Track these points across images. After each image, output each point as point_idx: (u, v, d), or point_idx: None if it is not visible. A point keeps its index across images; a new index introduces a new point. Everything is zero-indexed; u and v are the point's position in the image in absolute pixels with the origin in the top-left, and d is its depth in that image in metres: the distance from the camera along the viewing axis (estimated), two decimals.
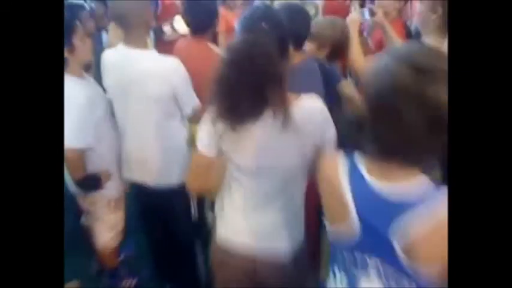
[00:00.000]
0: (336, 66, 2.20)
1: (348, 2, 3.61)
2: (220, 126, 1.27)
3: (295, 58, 1.89)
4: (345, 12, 3.14)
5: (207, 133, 1.34)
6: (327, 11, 3.52)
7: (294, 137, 1.27)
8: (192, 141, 1.93)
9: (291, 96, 1.28)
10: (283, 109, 1.23)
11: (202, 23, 2.21)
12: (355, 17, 2.18)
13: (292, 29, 1.73)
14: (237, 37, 1.33)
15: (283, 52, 1.31)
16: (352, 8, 2.34)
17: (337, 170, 1.08)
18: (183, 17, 2.31)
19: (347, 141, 1.75)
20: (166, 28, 3.46)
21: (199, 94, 1.93)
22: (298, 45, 1.92)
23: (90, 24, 2.87)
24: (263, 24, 1.31)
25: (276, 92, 1.21)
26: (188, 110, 1.94)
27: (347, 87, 1.99)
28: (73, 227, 2.36)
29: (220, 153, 1.35)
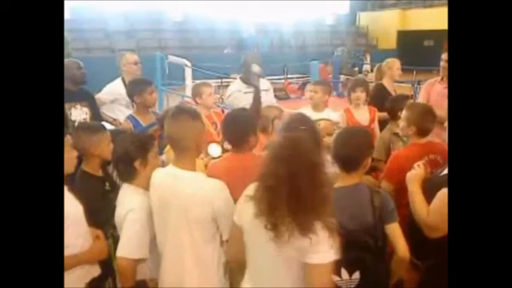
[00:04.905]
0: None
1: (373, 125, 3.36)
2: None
3: (346, 180, 1.88)
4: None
5: None
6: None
7: None
8: (227, 268, 1.91)
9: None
10: None
11: (241, 138, 2.18)
12: (418, 173, 2.02)
13: (344, 152, 1.89)
14: (279, 136, 1.59)
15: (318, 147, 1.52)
16: (416, 165, 2.07)
17: None
18: (219, 143, 2.46)
19: None
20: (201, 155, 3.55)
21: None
22: (349, 168, 1.89)
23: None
24: (301, 127, 1.72)
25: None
26: (227, 235, 1.90)
27: (395, 232, 1.85)
28: None
29: None
